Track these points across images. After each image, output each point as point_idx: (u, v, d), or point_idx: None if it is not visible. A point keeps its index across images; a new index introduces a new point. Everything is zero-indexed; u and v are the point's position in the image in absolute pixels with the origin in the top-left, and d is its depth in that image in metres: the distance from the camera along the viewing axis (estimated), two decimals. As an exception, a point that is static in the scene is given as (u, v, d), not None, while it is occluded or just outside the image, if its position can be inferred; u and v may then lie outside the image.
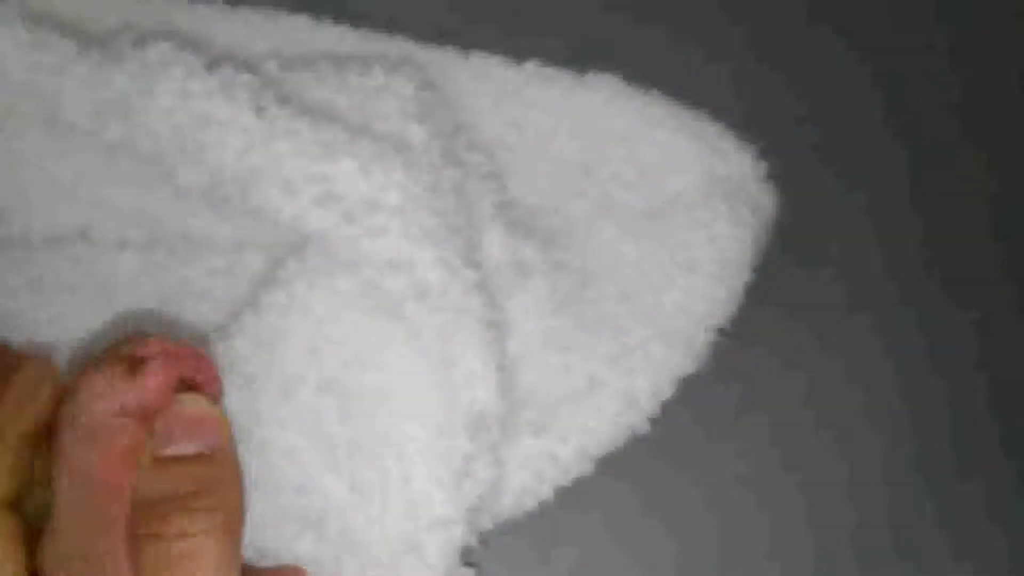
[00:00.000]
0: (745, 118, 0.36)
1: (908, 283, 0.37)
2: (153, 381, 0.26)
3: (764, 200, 0.35)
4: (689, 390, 0.35)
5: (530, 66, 0.36)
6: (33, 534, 0.26)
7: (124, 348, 0.27)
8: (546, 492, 0.34)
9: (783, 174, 0.36)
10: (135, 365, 0.26)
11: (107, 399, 0.26)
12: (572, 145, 0.36)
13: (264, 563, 0.30)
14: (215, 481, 0.26)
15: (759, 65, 0.37)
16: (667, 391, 0.34)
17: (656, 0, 0.37)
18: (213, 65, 0.32)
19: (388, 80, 0.34)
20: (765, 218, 0.35)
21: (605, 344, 0.34)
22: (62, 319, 0.33)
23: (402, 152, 0.32)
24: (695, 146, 0.35)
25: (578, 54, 0.36)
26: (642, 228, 0.35)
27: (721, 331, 0.35)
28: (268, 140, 0.31)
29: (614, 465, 0.35)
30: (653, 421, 0.34)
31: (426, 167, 0.32)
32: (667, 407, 0.35)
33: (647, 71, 0.36)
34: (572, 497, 0.35)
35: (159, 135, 0.31)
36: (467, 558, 0.32)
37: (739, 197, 0.35)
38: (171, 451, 0.26)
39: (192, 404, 0.26)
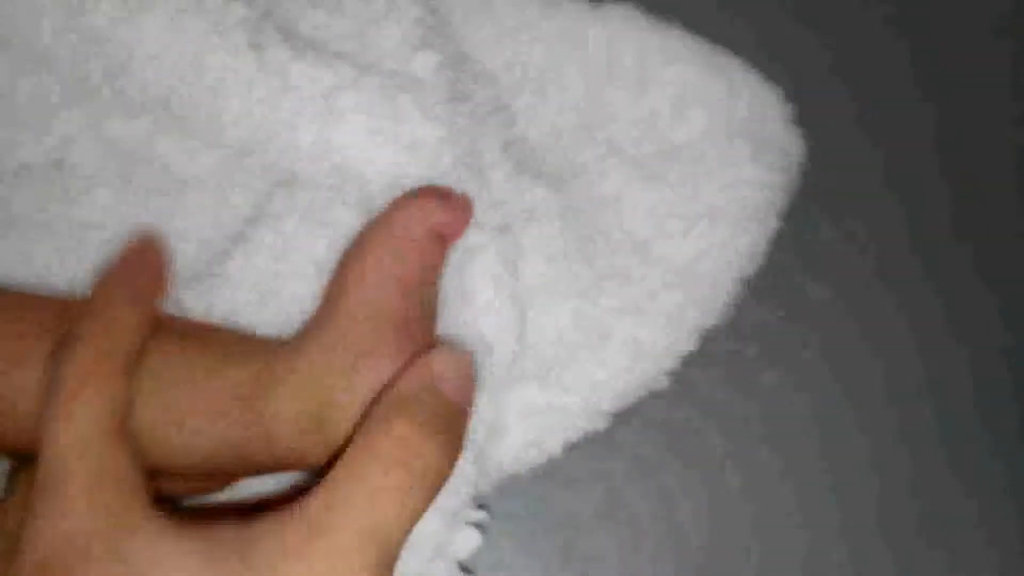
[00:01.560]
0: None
1: (933, 256, 0.36)
2: None
3: (790, 143, 0.33)
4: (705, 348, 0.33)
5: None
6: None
7: None
8: (553, 446, 0.33)
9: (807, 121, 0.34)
10: None
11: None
12: (579, 82, 0.33)
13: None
14: None
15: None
16: (687, 345, 0.32)
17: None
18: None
19: (389, 5, 0.31)
20: (793, 162, 0.33)
21: (616, 293, 0.32)
22: (33, 255, 0.30)
23: (410, 90, 0.30)
24: (715, 83, 0.32)
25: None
26: (656, 172, 0.33)
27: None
28: (266, 83, 0.29)
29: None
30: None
31: (435, 106, 0.30)
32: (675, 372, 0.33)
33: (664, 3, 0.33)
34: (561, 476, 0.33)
35: (147, 77, 0.29)
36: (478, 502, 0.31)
37: (764, 139, 0.32)
38: None
39: None
